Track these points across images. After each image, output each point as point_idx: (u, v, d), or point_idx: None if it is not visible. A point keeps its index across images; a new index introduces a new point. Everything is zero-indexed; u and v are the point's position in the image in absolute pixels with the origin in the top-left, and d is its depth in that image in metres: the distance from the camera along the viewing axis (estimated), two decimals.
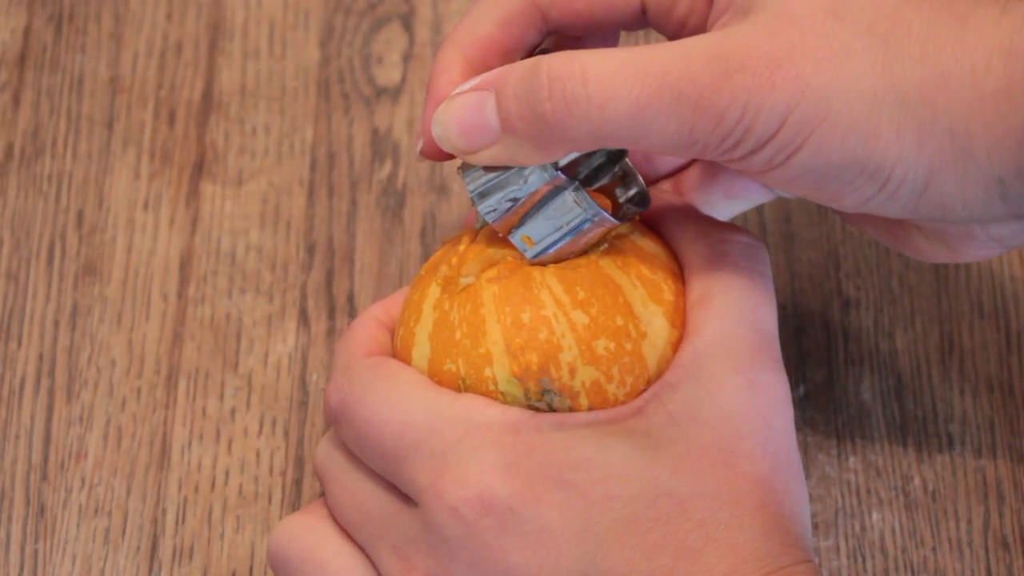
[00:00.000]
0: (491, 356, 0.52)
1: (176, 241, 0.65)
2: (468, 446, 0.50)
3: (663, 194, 0.57)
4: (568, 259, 0.53)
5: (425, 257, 0.65)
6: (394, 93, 0.68)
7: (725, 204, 0.58)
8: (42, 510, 0.60)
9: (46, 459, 0.61)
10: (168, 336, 0.63)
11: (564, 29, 0.55)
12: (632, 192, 0.55)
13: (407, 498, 0.52)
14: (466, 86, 0.52)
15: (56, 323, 0.64)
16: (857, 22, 0.49)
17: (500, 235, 0.54)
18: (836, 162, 0.49)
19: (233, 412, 0.62)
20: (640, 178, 0.55)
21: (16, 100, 0.68)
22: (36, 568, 0.59)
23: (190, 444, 0.61)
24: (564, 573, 0.50)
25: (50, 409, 0.62)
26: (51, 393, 0.62)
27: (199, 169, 0.67)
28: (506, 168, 0.52)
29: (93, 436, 0.61)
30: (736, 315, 0.53)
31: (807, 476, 0.60)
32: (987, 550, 0.59)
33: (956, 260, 0.54)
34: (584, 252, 0.54)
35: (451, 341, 0.53)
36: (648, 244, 0.55)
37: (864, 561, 0.59)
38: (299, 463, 0.61)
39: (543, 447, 0.50)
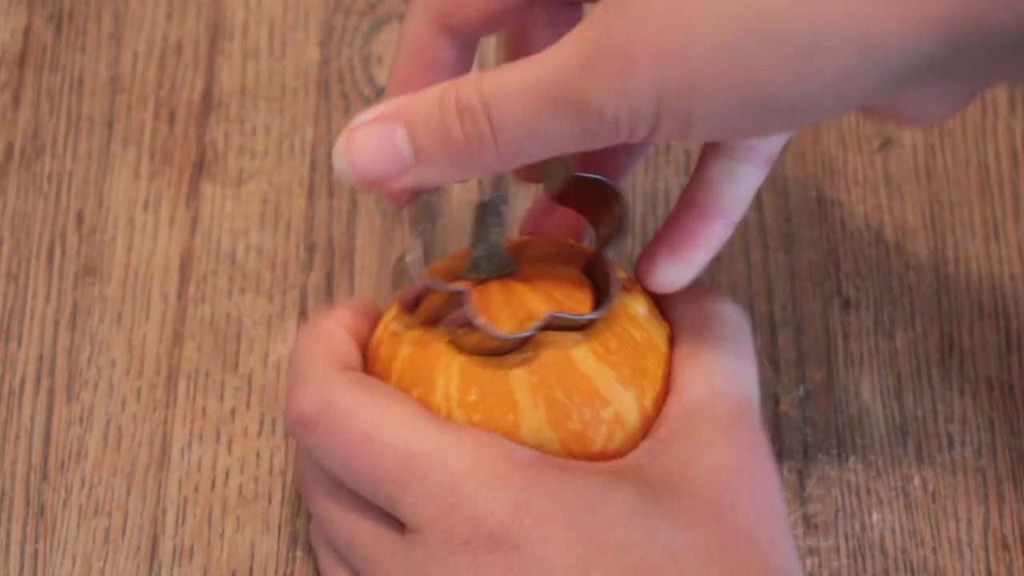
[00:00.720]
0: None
1: (176, 241, 0.65)
2: (477, 482, 0.50)
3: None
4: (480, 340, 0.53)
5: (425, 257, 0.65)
6: None
7: (674, 266, 0.55)
8: (42, 510, 0.60)
9: (46, 459, 0.61)
10: (168, 336, 0.63)
11: None
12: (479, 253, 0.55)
13: (398, 523, 0.52)
14: (366, 117, 0.51)
15: (56, 323, 0.64)
16: None
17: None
18: (735, 107, 0.47)
19: (233, 412, 0.62)
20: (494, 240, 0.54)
21: (16, 100, 0.68)
22: (36, 568, 0.59)
23: (190, 444, 0.61)
24: None
25: (50, 409, 0.62)
26: (51, 393, 0.62)
27: (199, 169, 0.67)
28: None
29: (93, 436, 0.61)
30: (721, 376, 0.54)
31: (807, 476, 0.60)
32: (987, 550, 0.59)
33: (925, 122, 0.51)
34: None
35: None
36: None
37: (864, 561, 0.59)
38: None
39: (551, 485, 0.50)
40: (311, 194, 0.66)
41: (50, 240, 0.65)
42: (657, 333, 0.54)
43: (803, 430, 0.61)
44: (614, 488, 0.51)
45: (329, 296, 0.64)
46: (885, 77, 0.45)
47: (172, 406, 0.62)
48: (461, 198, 0.66)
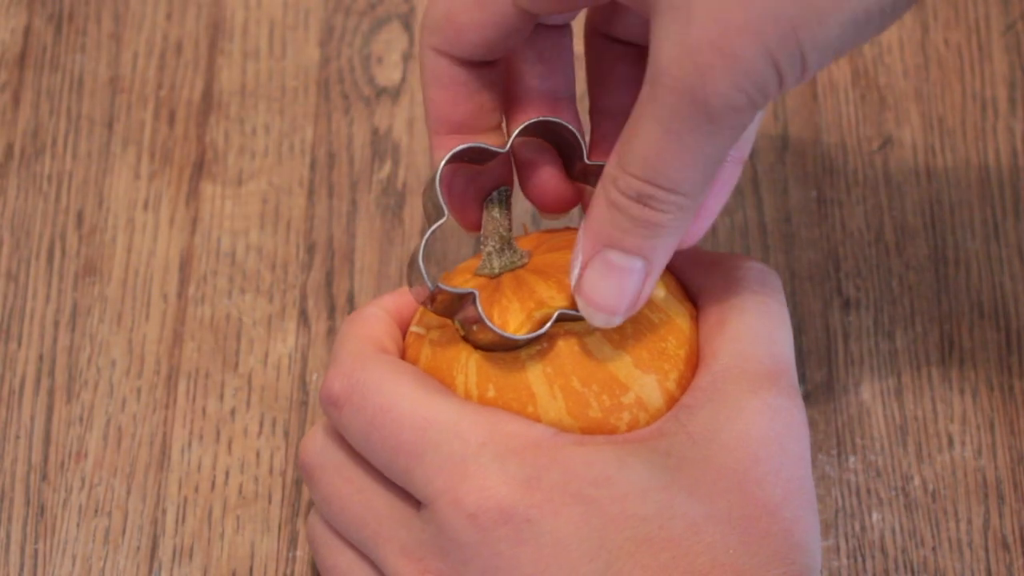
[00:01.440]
0: None
1: (176, 241, 0.65)
2: (491, 454, 0.50)
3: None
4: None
5: (425, 257, 0.65)
6: (394, 93, 0.68)
7: None
8: (42, 510, 0.60)
9: (46, 459, 0.61)
10: (168, 336, 0.63)
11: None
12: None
13: (413, 499, 0.52)
14: (575, 270, 0.51)
15: (56, 323, 0.64)
16: None
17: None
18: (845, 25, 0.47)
19: (233, 412, 0.62)
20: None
21: (16, 100, 0.68)
22: (36, 568, 0.59)
23: (190, 444, 0.61)
24: None
25: (50, 409, 0.62)
26: (51, 393, 0.62)
27: (199, 169, 0.67)
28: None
29: (93, 436, 0.61)
30: (751, 338, 0.53)
31: None
32: (987, 550, 0.59)
33: None
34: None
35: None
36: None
37: (864, 561, 0.59)
38: None
39: (564, 461, 0.50)
40: (311, 194, 0.66)
41: (50, 240, 0.65)
42: (678, 314, 0.54)
43: None
44: (630, 461, 0.50)
45: (329, 296, 0.64)
46: None
47: (172, 406, 0.62)
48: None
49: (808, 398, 0.62)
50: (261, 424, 0.62)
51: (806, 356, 0.63)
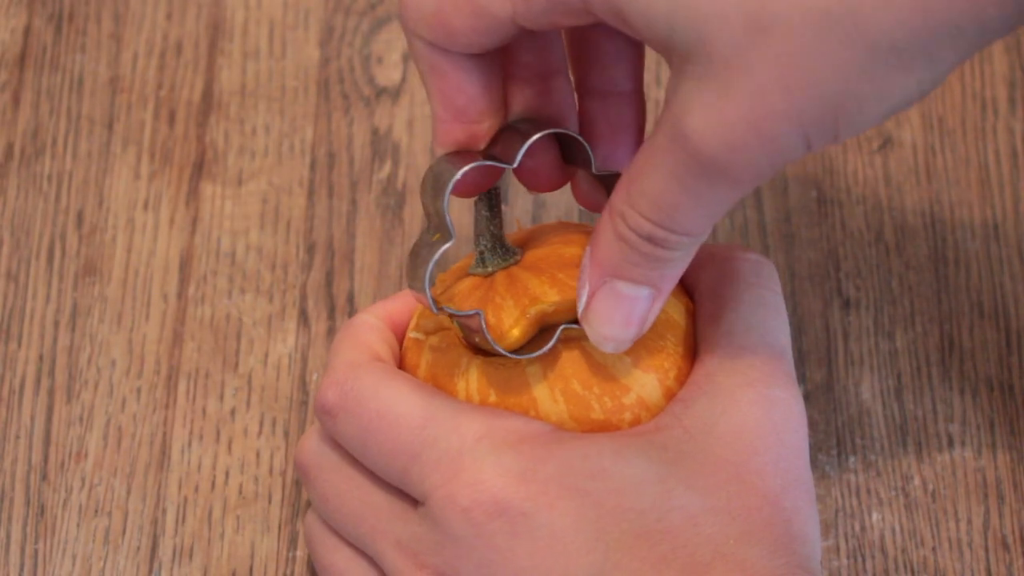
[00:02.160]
0: None
1: (176, 241, 0.65)
2: (486, 448, 0.50)
3: None
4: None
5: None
6: (394, 93, 0.68)
7: None
8: (42, 510, 0.60)
9: (46, 459, 0.61)
10: (168, 336, 0.63)
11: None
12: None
13: (410, 498, 0.52)
14: (583, 297, 0.51)
15: (56, 323, 0.64)
16: None
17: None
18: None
19: (233, 412, 0.62)
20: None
21: (16, 100, 0.68)
22: (36, 568, 0.59)
23: (190, 444, 0.61)
24: None
25: (50, 409, 0.62)
26: (51, 393, 0.62)
27: (199, 169, 0.67)
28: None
29: (93, 436, 0.61)
30: (746, 330, 0.53)
31: None
32: (987, 550, 0.59)
33: None
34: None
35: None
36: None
37: (864, 561, 0.59)
38: None
39: (561, 455, 0.50)
40: (311, 194, 0.66)
41: (50, 240, 0.65)
42: (674, 310, 0.54)
43: None
44: (626, 454, 0.50)
45: (329, 296, 0.64)
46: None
47: (172, 406, 0.62)
48: (461, 201, 0.66)
49: (808, 398, 0.62)
50: (261, 424, 0.62)
51: (806, 356, 0.63)
